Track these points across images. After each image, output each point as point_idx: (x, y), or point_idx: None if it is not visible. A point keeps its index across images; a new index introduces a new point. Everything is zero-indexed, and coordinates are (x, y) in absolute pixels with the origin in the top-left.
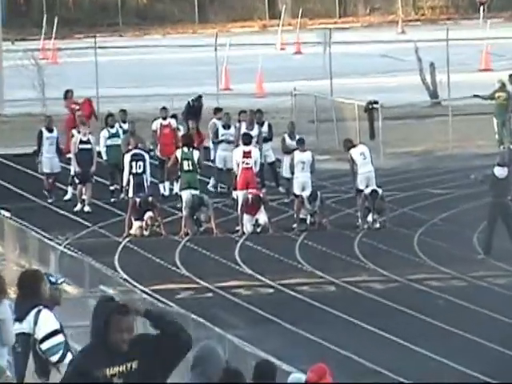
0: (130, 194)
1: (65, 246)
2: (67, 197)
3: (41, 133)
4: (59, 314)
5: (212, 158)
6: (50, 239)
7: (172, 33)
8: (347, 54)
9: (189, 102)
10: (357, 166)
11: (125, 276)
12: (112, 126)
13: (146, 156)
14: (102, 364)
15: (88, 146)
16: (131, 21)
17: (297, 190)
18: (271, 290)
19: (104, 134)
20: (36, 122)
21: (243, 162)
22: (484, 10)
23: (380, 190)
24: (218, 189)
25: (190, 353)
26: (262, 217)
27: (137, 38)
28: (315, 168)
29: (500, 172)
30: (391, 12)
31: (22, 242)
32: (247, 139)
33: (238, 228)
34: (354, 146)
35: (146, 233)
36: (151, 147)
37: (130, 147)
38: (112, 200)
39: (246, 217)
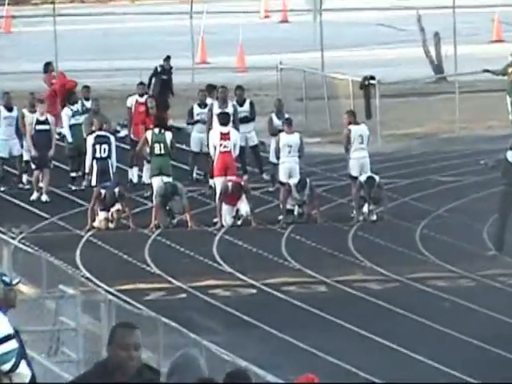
0: (94, 182)
1: (19, 241)
2: (23, 185)
3: None
4: (13, 317)
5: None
6: (3, 232)
7: None
8: (340, 22)
9: (156, 68)
10: (351, 147)
11: (87, 274)
12: (74, 103)
13: (112, 138)
14: None
15: (46, 127)
16: None
17: (283, 177)
18: (253, 291)
19: (66, 111)
20: None
21: (221, 145)
22: None
23: (377, 177)
24: (194, 175)
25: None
26: (244, 207)
27: (101, 4)
28: (304, 152)
29: None
30: None
31: None
32: (224, 119)
33: (215, 220)
34: (356, 124)
35: (111, 225)
36: (118, 128)
37: (93, 128)
38: (73, 188)
39: (225, 207)
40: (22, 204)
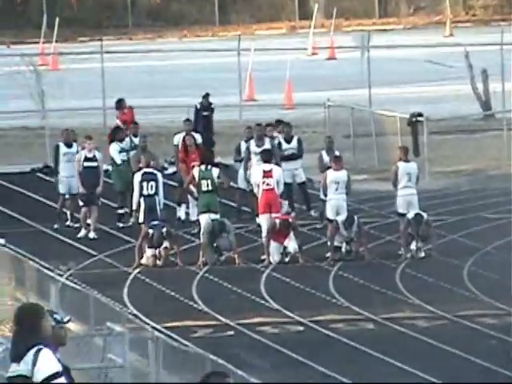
0: (141, 219)
1: (67, 278)
2: (73, 223)
3: (57, 148)
4: (61, 354)
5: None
6: (50, 270)
7: (189, 36)
8: (388, 59)
9: (196, 106)
10: (398, 184)
11: (135, 312)
12: (121, 141)
13: (159, 175)
14: None
15: (94, 164)
16: (142, 22)
17: (330, 214)
18: (301, 328)
19: (114, 147)
20: (33, 136)
21: (263, 183)
22: None
23: (425, 214)
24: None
25: None
26: (292, 244)
27: (149, 41)
28: (351, 189)
29: None
30: (438, 12)
31: (18, 273)
32: (267, 156)
33: (263, 257)
34: (407, 161)
35: (159, 262)
36: (165, 165)
37: (140, 165)
38: (120, 225)
39: (272, 244)
40: (70, 241)
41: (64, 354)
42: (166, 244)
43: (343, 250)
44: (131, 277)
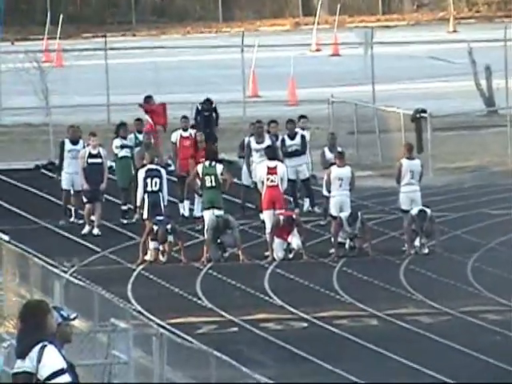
0: (145, 216)
1: (71, 274)
2: (77, 220)
3: (63, 144)
4: (65, 350)
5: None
6: (55, 266)
7: (193, 32)
8: (391, 55)
9: (197, 107)
10: (401, 181)
11: (139, 308)
12: (125, 138)
13: (163, 172)
14: None
15: (98, 160)
16: (146, 18)
17: (334, 211)
18: (305, 324)
19: (117, 143)
20: (38, 132)
21: (268, 179)
22: None
23: (429, 211)
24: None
25: None
26: (295, 241)
27: (152, 37)
28: (355, 185)
29: None
30: (441, 8)
31: (22, 270)
32: (271, 153)
33: (267, 254)
34: (411, 158)
35: (163, 258)
36: (169, 162)
37: (144, 162)
38: (124, 221)
39: (276, 241)
40: (74, 238)
41: (68, 351)
42: (170, 239)
43: (347, 246)
44: (135, 273)
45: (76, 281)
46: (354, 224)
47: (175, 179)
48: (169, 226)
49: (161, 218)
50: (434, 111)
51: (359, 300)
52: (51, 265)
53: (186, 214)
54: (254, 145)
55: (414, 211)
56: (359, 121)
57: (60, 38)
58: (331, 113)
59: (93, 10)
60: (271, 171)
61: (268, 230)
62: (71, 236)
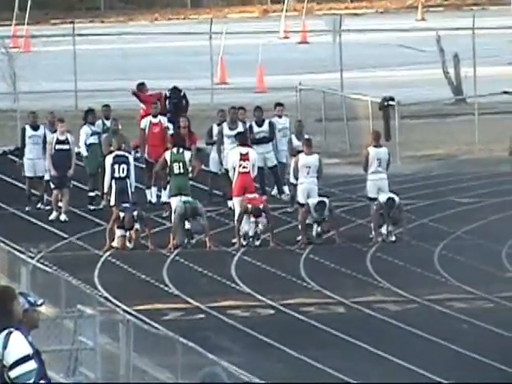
0: (112, 202)
1: (38, 260)
2: (44, 206)
3: (24, 131)
4: (32, 336)
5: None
6: (21, 252)
7: (161, 19)
8: (360, 43)
9: (165, 94)
10: (368, 169)
11: (106, 294)
12: (93, 124)
13: (130, 158)
14: None
15: (66, 147)
16: (114, 5)
17: (301, 198)
18: (272, 311)
19: (86, 130)
20: (5, 118)
21: (240, 166)
22: None
23: (397, 198)
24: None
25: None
26: (262, 221)
27: (120, 24)
28: (322, 173)
29: None
30: None
31: None
32: (243, 139)
33: (234, 241)
34: (378, 146)
35: (129, 245)
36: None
37: (111, 148)
38: (91, 208)
39: (244, 217)
40: (41, 224)
41: (35, 337)
42: (136, 226)
43: (314, 233)
44: (102, 259)
45: (43, 267)
46: (321, 211)
47: (143, 166)
48: (135, 213)
49: (127, 204)
50: (401, 99)
51: (326, 287)
52: (18, 250)
53: (154, 200)
54: (226, 131)
55: (383, 198)
56: (327, 108)
57: (28, 24)
58: (299, 100)
59: None
60: (244, 157)
61: (236, 217)
62: (38, 222)
